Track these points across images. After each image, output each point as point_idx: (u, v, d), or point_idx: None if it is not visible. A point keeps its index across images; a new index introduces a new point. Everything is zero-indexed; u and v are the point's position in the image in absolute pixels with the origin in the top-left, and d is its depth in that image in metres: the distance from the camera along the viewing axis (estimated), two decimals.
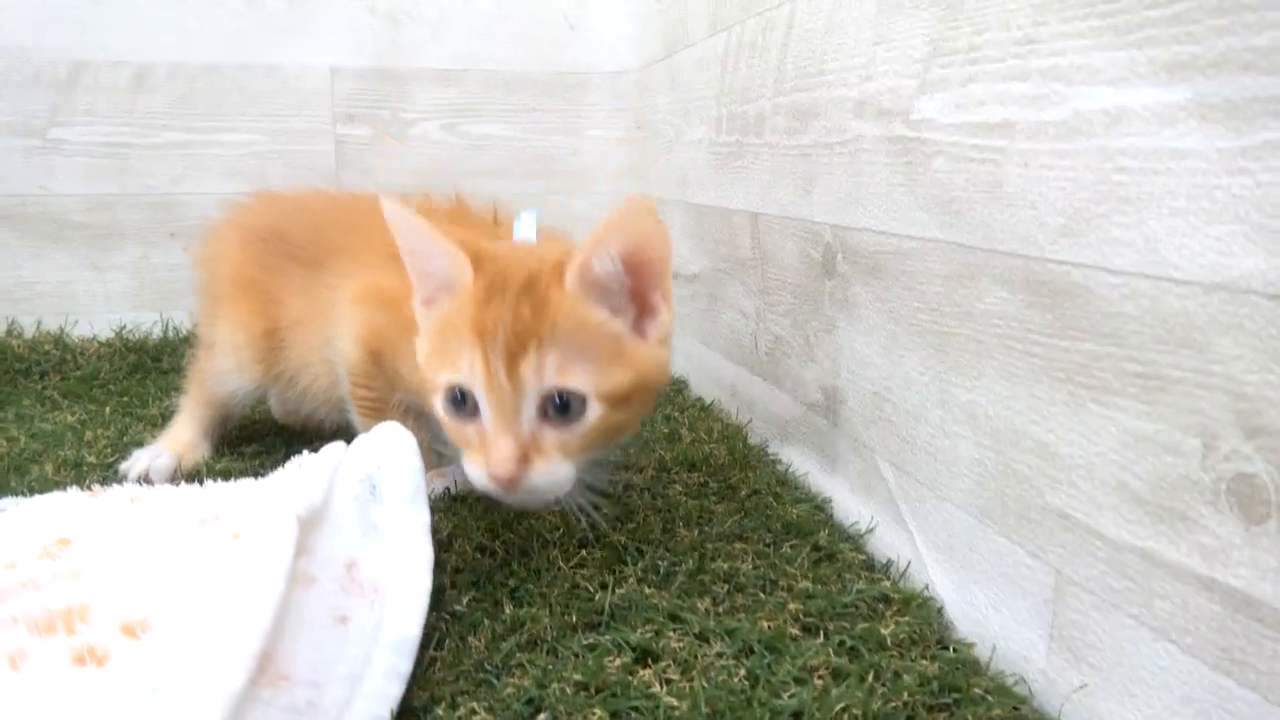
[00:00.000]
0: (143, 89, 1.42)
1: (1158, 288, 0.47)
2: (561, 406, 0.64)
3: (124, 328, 1.44)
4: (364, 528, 0.65)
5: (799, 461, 0.94)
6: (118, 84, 1.41)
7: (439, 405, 0.68)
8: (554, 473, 0.64)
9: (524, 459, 0.63)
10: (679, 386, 1.32)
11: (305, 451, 0.74)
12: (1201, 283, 0.44)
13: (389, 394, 0.86)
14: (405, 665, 0.55)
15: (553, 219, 1.45)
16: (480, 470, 0.64)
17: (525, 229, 0.77)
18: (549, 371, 0.63)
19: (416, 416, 0.82)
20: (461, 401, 0.65)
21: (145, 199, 1.45)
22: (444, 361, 0.67)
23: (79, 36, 1.39)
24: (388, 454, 0.70)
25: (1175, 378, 0.46)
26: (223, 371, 0.97)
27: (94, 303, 1.46)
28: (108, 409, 1.16)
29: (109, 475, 0.93)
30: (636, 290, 0.67)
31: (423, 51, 1.52)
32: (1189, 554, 0.46)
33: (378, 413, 0.84)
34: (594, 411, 0.64)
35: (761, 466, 0.96)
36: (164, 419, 1.05)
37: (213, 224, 1.05)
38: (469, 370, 0.64)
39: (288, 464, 0.74)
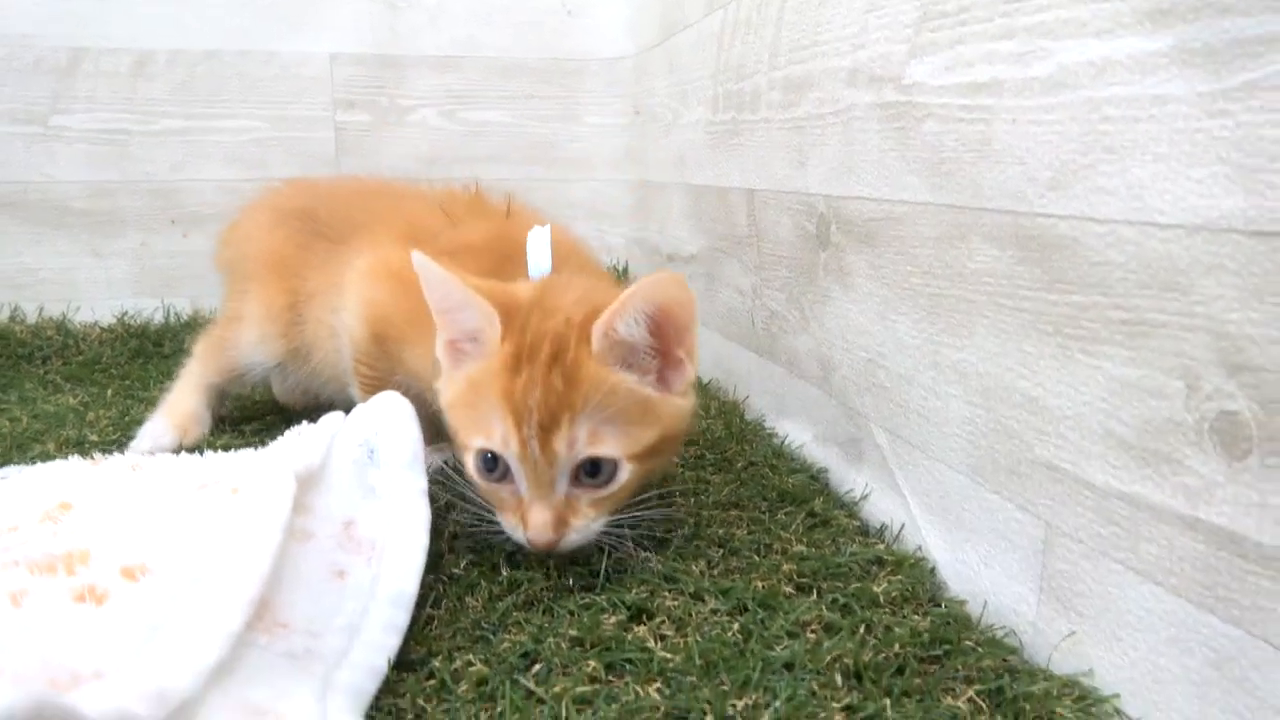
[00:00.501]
0: (143, 76, 1.43)
1: (1142, 233, 0.47)
2: (593, 470, 0.66)
3: (125, 313, 1.45)
4: (362, 490, 0.65)
5: (795, 433, 0.94)
6: (118, 71, 1.42)
7: (470, 464, 0.69)
8: (589, 530, 0.67)
9: (560, 523, 0.65)
10: None
11: (304, 423, 0.75)
12: (1184, 225, 0.45)
13: (390, 374, 0.86)
14: (402, 619, 0.56)
15: (551, 205, 1.47)
16: (518, 531, 0.67)
17: (538, 254, 0.76)
18: (581, 443, 0.65)
19: (416, 396, 0.83)
20: (494, 463, 0.67)
21: (146, 185, 1.46)
22: (475, 426, 0.68)
23: (79, 24, 1.40)
24: (386, 421, 0.71)
25: (1159, 321, 0.47)
26: (247, 344, 0.99)
27: (95, 289, 1.47)
28: (109, 391, 1.17)
29: (111, 453, 0.93)
30: (661, 347, 0.69)
31: (421, 38, 1.53)
32: (1174, 495, 0.46)
33: (378, 389, 0.84)
34: (625, 472, 0.67)
35: (758, 439, 0.97)
36: None
37: (244, 205, 1.08)
38: (502, 441, 0.65)
39: (286, 433, 0.74)
